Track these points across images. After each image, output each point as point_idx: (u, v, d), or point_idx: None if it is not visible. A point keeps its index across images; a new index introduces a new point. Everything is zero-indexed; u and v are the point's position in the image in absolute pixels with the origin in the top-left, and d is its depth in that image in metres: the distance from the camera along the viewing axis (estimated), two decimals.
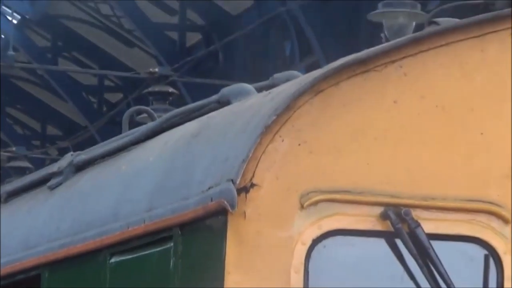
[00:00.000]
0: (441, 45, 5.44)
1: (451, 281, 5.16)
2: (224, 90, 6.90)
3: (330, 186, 5.19)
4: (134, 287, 6.33)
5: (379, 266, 5.20)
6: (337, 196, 5.16)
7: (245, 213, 5.12)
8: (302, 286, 5.04)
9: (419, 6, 11.18)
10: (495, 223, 5.28)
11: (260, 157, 5.15)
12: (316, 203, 5.11)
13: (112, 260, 6.50)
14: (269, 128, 5.13)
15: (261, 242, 5.21)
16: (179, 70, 32.85)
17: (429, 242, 5.09)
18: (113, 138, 8.26)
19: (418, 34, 5.51)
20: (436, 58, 5.39)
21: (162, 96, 22.64)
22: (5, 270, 8.14)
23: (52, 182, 8.25)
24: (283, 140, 5.18)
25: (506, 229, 5.26)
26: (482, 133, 5.34)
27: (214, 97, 7.04)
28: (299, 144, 5.20)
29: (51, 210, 8.03)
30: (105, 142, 8.48)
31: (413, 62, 5.33)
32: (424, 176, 5.32)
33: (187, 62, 35.67)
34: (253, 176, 5.12)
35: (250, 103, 6.04)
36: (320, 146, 5.28)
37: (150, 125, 7.72)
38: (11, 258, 8.06)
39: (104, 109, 47.56)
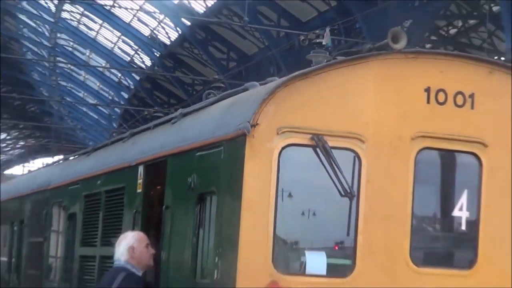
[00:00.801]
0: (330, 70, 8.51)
1: (340, 170, 8.26)
2: (246, 85, 9.70)
3: (289, 125, 8.32)
4: (207, 166, 9.19)
5: (309, 161, 8.31)
6: (292, 130, 8.33)
7: (253, 135, 8.15)
8: (276, 167, 8.18)
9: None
10: (359, 142, 8.36)
11: (260, 113, 8.18)
12: (283, 132, 8.28)
13: (197, 154, 9.41)
14: (263, 101, 8.27)
15: (260, 147, 8.21)
16: None
17: (331, 150, 8.19)
18: (200, 103, 11.10)
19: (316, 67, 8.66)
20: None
21: None
22: (153, 156, 10.94)
23: (172, 121, 11.51)
24: (270, 106, 8.28)
25: (363, 145, 8.36)
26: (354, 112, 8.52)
27: (241, 88, 9.98)
28: (277, 107, 8.35)
29: (173, 131, 11.13)
30: (197, 104, 11.21)
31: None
32: (331, 122, 8.41)
33: None
34: (257, 120, 8.14)
35: (257, 90, 9.08)
36: (286, 108, 8.41)
37: (215, 98, 10.68)
38: (156, 151, 10.92)
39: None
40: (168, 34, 56.70)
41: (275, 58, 42.44)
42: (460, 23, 39.35)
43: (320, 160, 8.38)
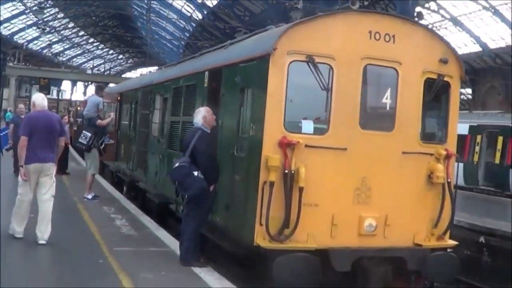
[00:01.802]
0: (316, 19, 8.48)
1: (322, 75, 8.21)
2: (268, 27, 9.57)
3: (293, 50, 8.20)
4: (246, 72, 8.93)
5: (305, 70, 8.20)
6: (295, 52, 8.21)
7: (274, 54, 8.16)
8: (286, 73, 8.14)
9: None
10: (332, 60, 8.38)
11: (278, 42, 8.18)
12: (290, 53, 8.21)
13: (240, 65, 9.21)
14: (279, 35, 8.27)
15: (278, 61, 8.15)
16: None
17: (316, 64, 8.21)
18: (240, 37, 10.84)
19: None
20: None
21: None
22: (214, 65, 10.48)
23: (224, 47, 10.88)
24: (283, 38, 8.21)
25: (334, 62, 8.36)
26: None
27: (264, 29, 9.62)
28: (287, 39, 8.24)
29: (225, 52, 10.56)
30: (238, 38, 10.87)
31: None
32: (317, 48, 8.24)
33: None
34: (276, 46, 8.17)
35: (277, 29, 9.03)
36: (292, 40, 8.26)
37: (250, 34, 10.38)
38: (216, 63, 10.52)
39: None
40: None
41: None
42: None
43: (311, 70, 8.41)
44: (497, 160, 23.31)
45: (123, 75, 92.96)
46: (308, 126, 8.36)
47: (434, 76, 8.97)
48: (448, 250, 8.94)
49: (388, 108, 8.79)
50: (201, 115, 8.99)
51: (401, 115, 8.79)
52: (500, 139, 23.31)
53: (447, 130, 9.24)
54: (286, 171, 7.99)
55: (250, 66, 8.87)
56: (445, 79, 9.08)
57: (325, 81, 8.35)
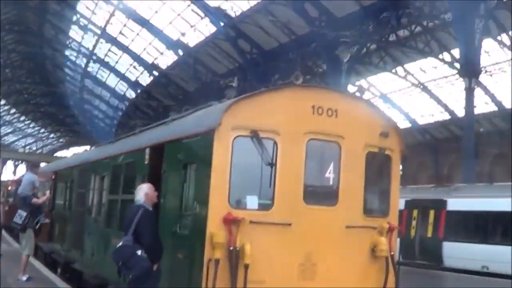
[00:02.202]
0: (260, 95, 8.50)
1: (266, 150, 8.21)
2: (210, 103, 9.70)
3: (238, 125, 8.14)
4: (190, 148, 8.81)
5: (249, 145, 8.12)
6: (239, 127, 8.13)
7: (219, 129, 8.02)
8: (231, 148, 8.01)
9: None
10: (276, 135, 8.41)
11: (222, 117, 8.09)
12: (234, 129, 8.09)
13: (184, 141, 9.01)
14: (224, 111, 8.20)
15: (222, 137, 8.02)
16: None
17: (261, 139, 8.19)
18: (182, 113, 10.81)
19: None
20: None
21: None
22: (156, 142, 10.71)
23: (166, 123, 11.36)
24: (227, 113, 8.12)
25: (278, 137, 8.38)
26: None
27: (207, 104, 9.80)
28: (231, 114, 8.12)
29: (168, 128, 10.83)
30: (181, 114, 10.91)
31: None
32: (261, 123, 8.23)
33: None
34: (221, 121, 8.07)
35: (221, 104, 9.02)
36: (236, 115, 8.19)
37: (193, 110, 10.32)
38: (158, 139, 10.10)
39: None
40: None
41: None
42: None
43: (255, 145, 8.36)
44: (429, 234, 23.59)
45: (55, 154, 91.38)
46: (253, 201, 8.23)
47: (376, 150, 9.04)
48: None
49: (331, 183, 8.78)
50: (143, 192, 8.74)
51: (344, 189, 8.76)
52: (432, 212, 23.68)
53: (389, 203, 9.31)
54: (231, 248, 7.82)
55: (194, 141, 8.76)
56: (386, 152, 9.23)
57: (269, 156, 8.26)
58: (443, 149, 42.59)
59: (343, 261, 8.51)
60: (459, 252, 21.37)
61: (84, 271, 14.31)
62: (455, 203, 22.46)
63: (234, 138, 8.16)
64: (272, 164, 8.36)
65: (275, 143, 8.44)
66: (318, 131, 8.64)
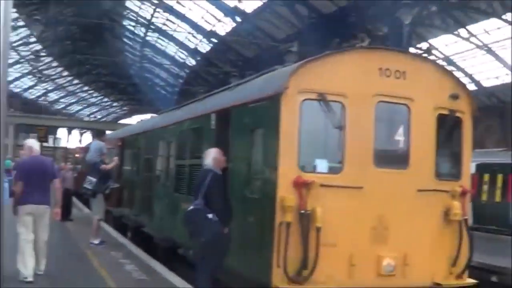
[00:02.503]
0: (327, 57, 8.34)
1: (335, 113, 8.11)
2: (274, 67, 9.43)
3: (305, 88, 7.99)
4: (256, 113, 8.71)
5: (317, 108, 8.04)
6: (306, 90, 8.01)
7: (286, 93, 7.91)
8: (299, 111, 7.91)
9: None
10: (344, 98, 8.31)
11: (289, 81, 7.97)
12: (302, 92, 7.98)
13: (250, 105, 8.94)
14: (290, 74, 8.08)
15: (289, 100, 7.91)
16: None
17: (328, 102, 8.04)
18: (246, 78, 10.73)
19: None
20: None
21: None
22: (222, 107, 10.31)
23: (230, 89, 11.00)
24: (293, 77, 8.00)
25: (346, 99, 8.26)
26: None
27: (272, 68, 9.49)
28: (298, 78, 7.99)
29: (232, 94, 10.55)
30: (244, 79, 10.79)
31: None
32: (329, 86, 8.11)
33: None
34: (287, 85, 7.95)
35: (287, 68, 8.84)
36: (303, 78, 8.03)
37: (254, 76, 10.11)
38: (224, 105, 10.18)
39: None
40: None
41: None
42: None
43: (322, 108, 8.24)
44: (498, 199, 23.14)
45: (119, 122, 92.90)
46: (322, 165, 8.13)
47: (446, 112, 8.85)
48: None
49: (401, 145, 8.61)
50: (212, 156, 8.79)
51: (415, 152, 8.60)
52: (500, 177, 23.19)
53: (461, 166, 9.09)
54: (302, 211, 7.79)
55: (261, 106, 8.67)
56: (457, 114, 9.01)
57: (337, 119, 8.14)
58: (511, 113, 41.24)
59: (415, 226, 8.35)
60: None
61: (154, 234, 14.55)
62: None
63: (302, 101, 8.03)
64: (341, 127, 8.27)
65: (343, 105, 8.32)
66: (387, 94, 8.44)
